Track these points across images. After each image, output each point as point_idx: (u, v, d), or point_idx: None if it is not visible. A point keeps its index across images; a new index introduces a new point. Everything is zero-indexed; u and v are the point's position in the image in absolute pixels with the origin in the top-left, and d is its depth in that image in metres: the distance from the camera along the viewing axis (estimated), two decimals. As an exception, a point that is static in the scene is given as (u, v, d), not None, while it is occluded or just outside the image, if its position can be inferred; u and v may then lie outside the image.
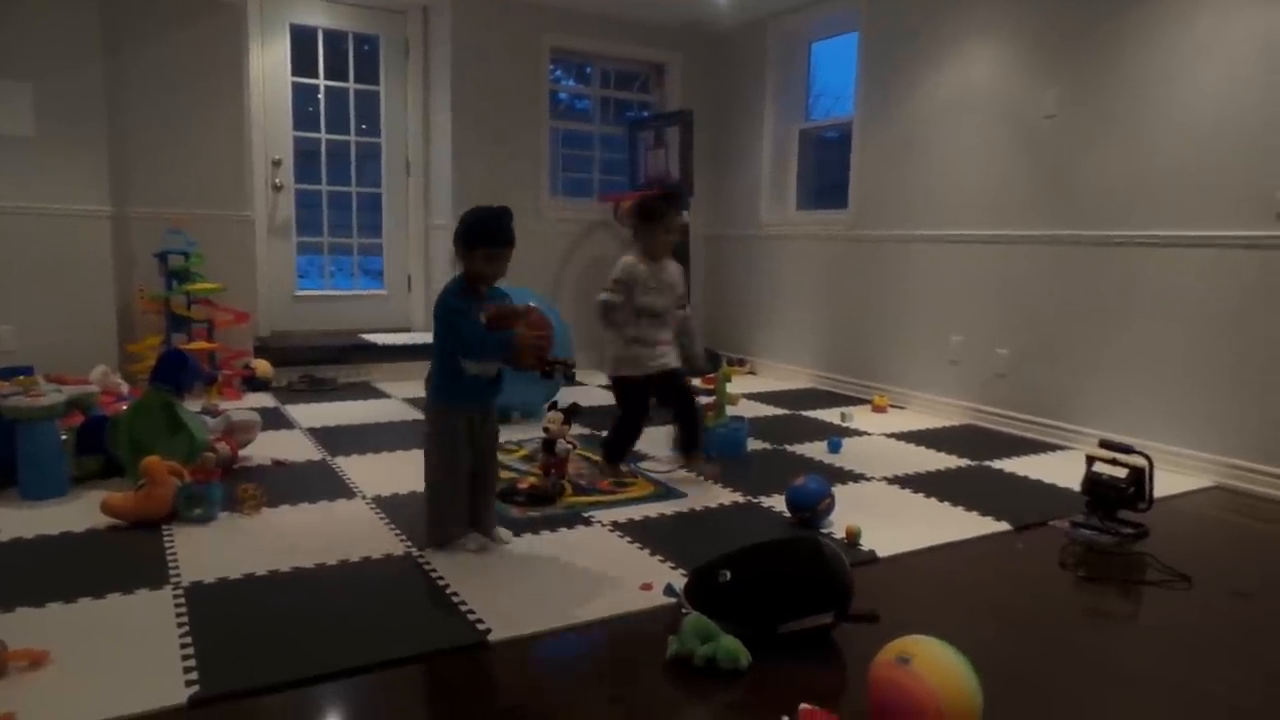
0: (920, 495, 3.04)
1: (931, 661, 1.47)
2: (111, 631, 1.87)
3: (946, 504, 2.94)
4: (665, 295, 3.09)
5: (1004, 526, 2.73)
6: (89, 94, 4.28)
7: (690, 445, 3.20)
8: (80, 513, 2.62)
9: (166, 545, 2.38)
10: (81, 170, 4.28)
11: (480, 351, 2.32)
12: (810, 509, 2.67)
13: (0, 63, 4.01)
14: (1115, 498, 2.67)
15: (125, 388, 3.96)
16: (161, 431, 2.89)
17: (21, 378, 2.90)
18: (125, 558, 2.30)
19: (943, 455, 3.62)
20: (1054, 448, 3.79)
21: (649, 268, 3.06)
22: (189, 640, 1.82)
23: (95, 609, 1.98)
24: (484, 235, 2.33)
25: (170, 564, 2.24)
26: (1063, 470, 3.32)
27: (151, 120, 4.55)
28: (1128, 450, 2.69)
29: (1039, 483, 3.24)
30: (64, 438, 2.89)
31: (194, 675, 1.68)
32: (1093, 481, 2.73)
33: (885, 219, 4.81)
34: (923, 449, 3.73)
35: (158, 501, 2.54)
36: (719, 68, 6.11)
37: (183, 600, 2.02)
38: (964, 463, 3.51)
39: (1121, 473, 2.68)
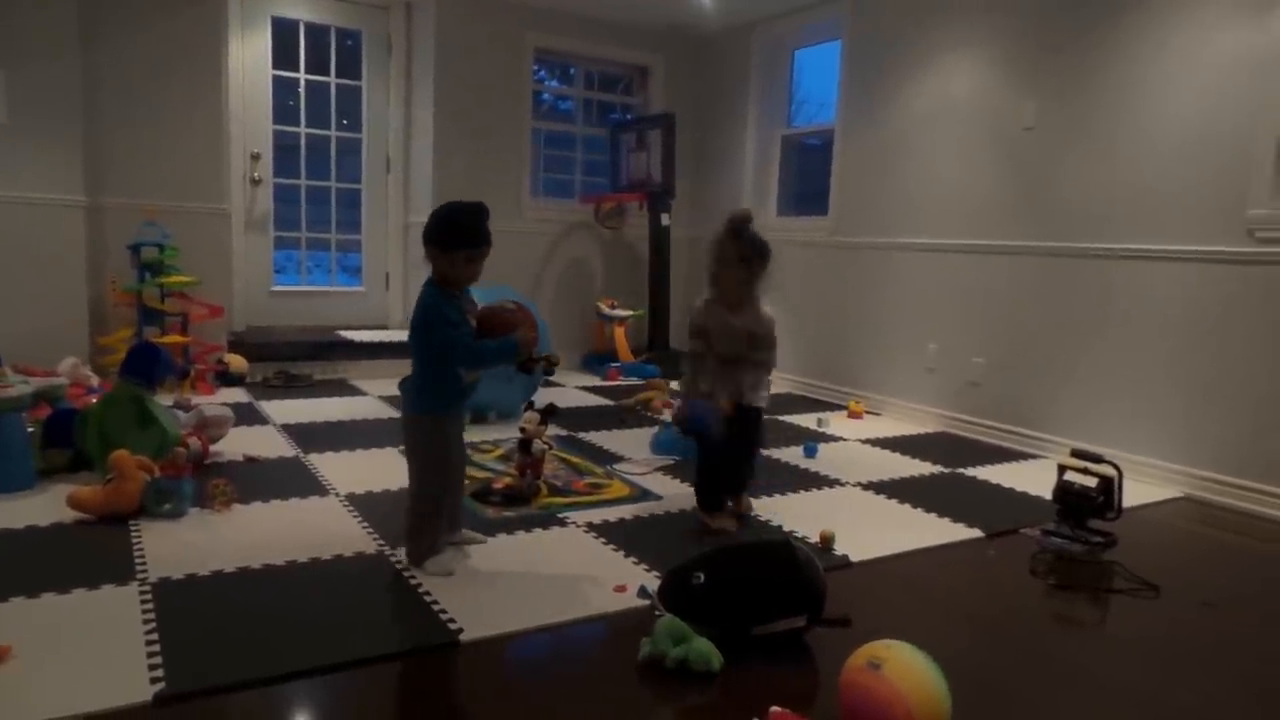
0: (894, 501, 3.06)
1: (902, 667, 1.48)
2: (76, 627, 1.84)
3: (920, 510, 2.96)
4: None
5: (976, 533, 2.75)
6: (65, 83, 4.21)
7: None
8: (46, 507, 2.57)
9: (134, 541, 2.34)
10: (56, 160, 4.22)
11: (488, 362, 2.22)
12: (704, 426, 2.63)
13: (-27, 48, 3.95)
14: (1086, 506, 2.71)
15: (95, 380, 3.91)
16: (131, 425, 2.85)
17: (-12, 368, 2.85)
18: (92, 553, 2.26)
19: (917, 462, 3.65)
20: (1027, 456, 3.83)
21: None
22: (155, 637, 1.80)
23: (60, 604, 1.95)
24: (463, 235, 2.17)
25: (138, 560, 2.21)
26: (1035, 479, 3.36)
27: (129, 111, 4.49)
28: (1098, 460, 2.72)
29: (1011, 491, 3.27)
30: (30, 430, 2.84)
31: (159, 672, 1.66)
32: (1064, 490, 2.76)
33: (865, 226, 4.84)
34: (898, 455, 3.76)
35: (126, 496, 2.50)
36: (703, 72, 6.13)
37: (150, 596, 1.99)
38: (938, 469, 3.54)
39: (1092, 482, 2.71)
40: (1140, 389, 3.53)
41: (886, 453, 3.80)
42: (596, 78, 6.23)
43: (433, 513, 2.25)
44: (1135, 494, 3.04)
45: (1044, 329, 3.91)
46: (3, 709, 1.51)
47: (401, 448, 2.72)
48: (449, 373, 2.22)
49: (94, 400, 3.11)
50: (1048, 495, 2.86)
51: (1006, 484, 3.35)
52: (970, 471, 3.53)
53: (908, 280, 4.58)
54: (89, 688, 1.59)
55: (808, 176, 5.73)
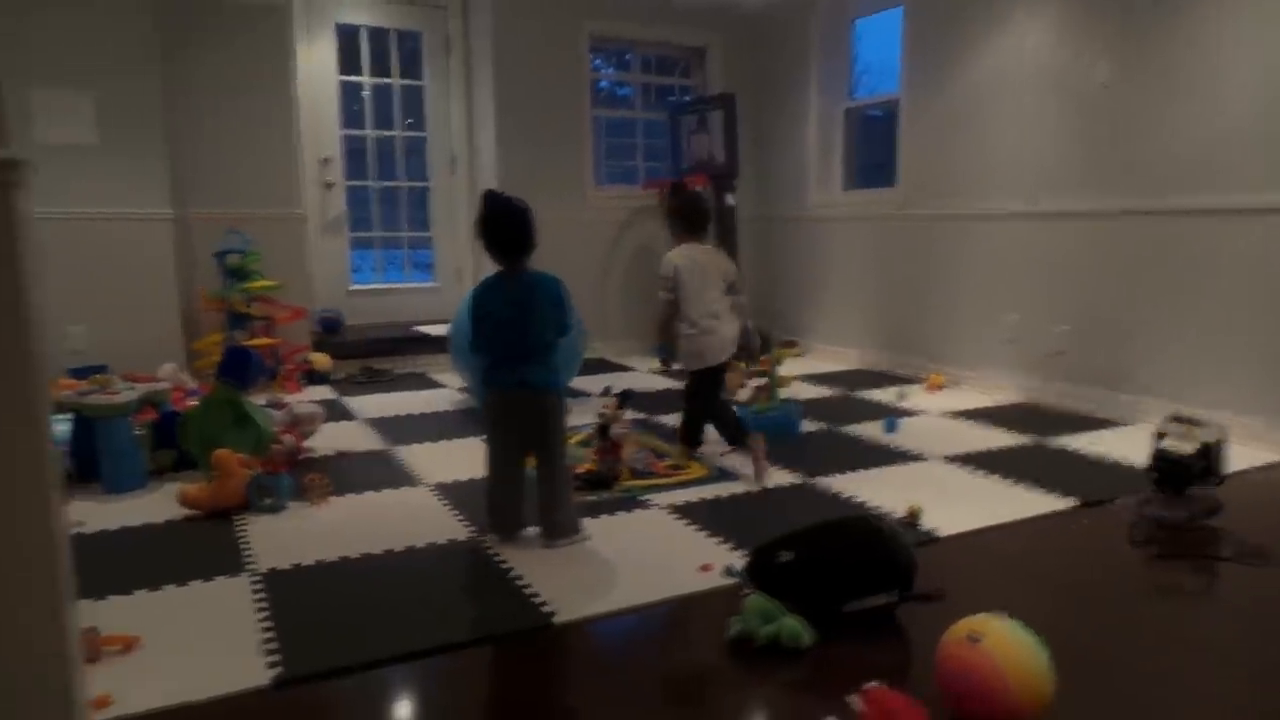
0: (980, 474, 3.01)
1: (1002, 640, 1.47)
2: (196, 617, 1.95)
3: (1008, 482, 2.90)
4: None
5: (1069, 503, 2.69)
6: (148, 101, 4.40)
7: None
8: (159, 504, 2.72)
9: (241, 534, 2.46)
10: (144, 175, 4.41)
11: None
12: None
13: (64, 73, 4.14)
14: (1185, 473, 2.61)
15: (192, 384, 4.09)
16: (229, 425, 2.98)
17: (97, 376, 3.01)
18: (204, 547, 2.38)
19: (1002, 433, 3.57)
20: (1117, 423, 3.71)
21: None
22: (269, 624, 1.89)
23: (179, 596, 2.06)
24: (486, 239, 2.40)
25: (245, 552, 2.32)
26: (1127, 446, 3.25)
27: (206, 124, 4.66)
28: (1198, 423, 2.62)
29: (1103, 459, 3.18)
30: (139, 433, 2.99)
31: (276, 658, 1.74)
32: (1161, 456, 2.67)
33: (935, 196, 4.73)
34: (982, 427, 3.68)
35: (231, 492, 2.62)
36: (760, 49, 6.05)
37: (261, 586, 2.10)
38: (1024, 440, 3.46)
39: (1191, 447, 2.62)
40: (1239, 348, 3.38)
41: (970, 424, 3.73)
42: (654, 61, 6.21)
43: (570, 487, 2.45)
44: (1238, 458, 2.92)
45: (1130, 291, 3.77)
46: (134, 695, 1.61)
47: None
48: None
49: (193, 403, 3.26)
50: (1142, 462, 2.77)
51: (1097, 452, 3.26)
52: (1058, 441, 3.44)
53: (982, 249, 4.46)
54: (212, 673, 1.69)
55: (872, 149, 5.62)
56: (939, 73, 4.63)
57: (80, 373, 3.48)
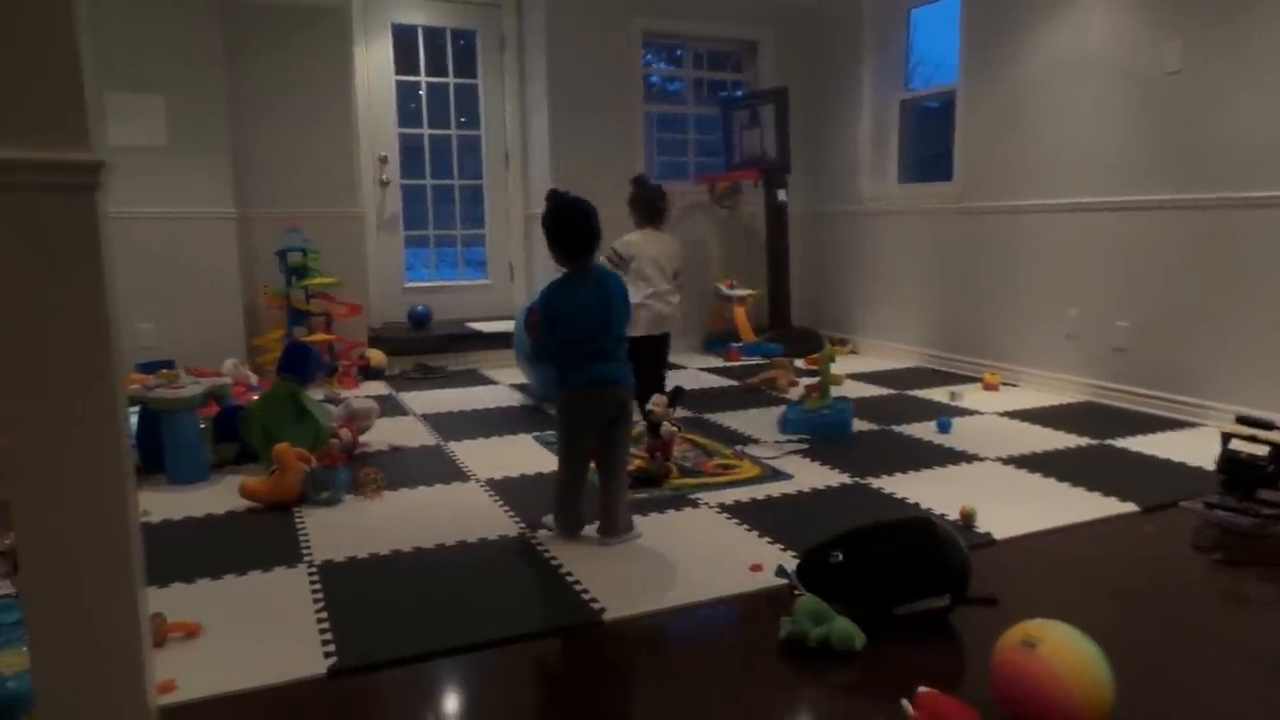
0: (1038, 475, 2.94)
1: (1059, 646, 1.43)
2: (255, 606, 2.01)
3: (1066, 484, 2.83)
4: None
5: (1130, 508, 2.61)
6: (213, 103, 4.53)
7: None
8: (220, 496, 2.80)
9: (298, 526, 2.52)
10: (209, 175, 4.54)
11: None
12: None
13: (134, 77, 4.28)
14: (1255, 476, 2.52)
15: (254, 379, 4.20)
16: (289, 420, 3.06)
17: (164, 371, 3.11)
18: (263, 538, 2.45)
19: (1061, 434, 3.48)
20: (1183, 424, 3.59)
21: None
22: (324, 615, 1.94)
23: (239, 585, 2.12)
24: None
25: (303, 544, 2.38)
26: (1194, 448, 3.15)
27: (268, 125, 4.78)
28: (1269, 426, 2.53)
29: (1167, 461, 3.08)
30: (202, 426, 3.09)
31: (331, 648, 1.78)
32: (1229, 459, 2.58)
33: (993, 189, 4.63)
34: (1039, 427, 3.60)
35: (289, 486, 2.69)
36: (813, 41, 5.99)
37: (316, 578, 2.15)
38: (1084, 441, 3.37)
39: (1262, 449, 2.52)
40: (1313, 348, 3.25)
41: (1026, 425, 3.65)
42: (705, 56, 6.19)
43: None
44: (1311, 462, 2.80)
45: (1197, 286, 3.64)
46: (198, 681, 1.66)
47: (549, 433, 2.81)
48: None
49: (254, 397, 3.35)
50: (1209, 465, 2.68)
51: (1162, 454, 3.16)
52: (1120, 442, 3.34)
53: (1042, 243, 4.36)
54: (270, 661, 1.74)
55: (928, 141, 5.52)
56: (998, 62, 4.53)
57: (148, 368, 3.60)
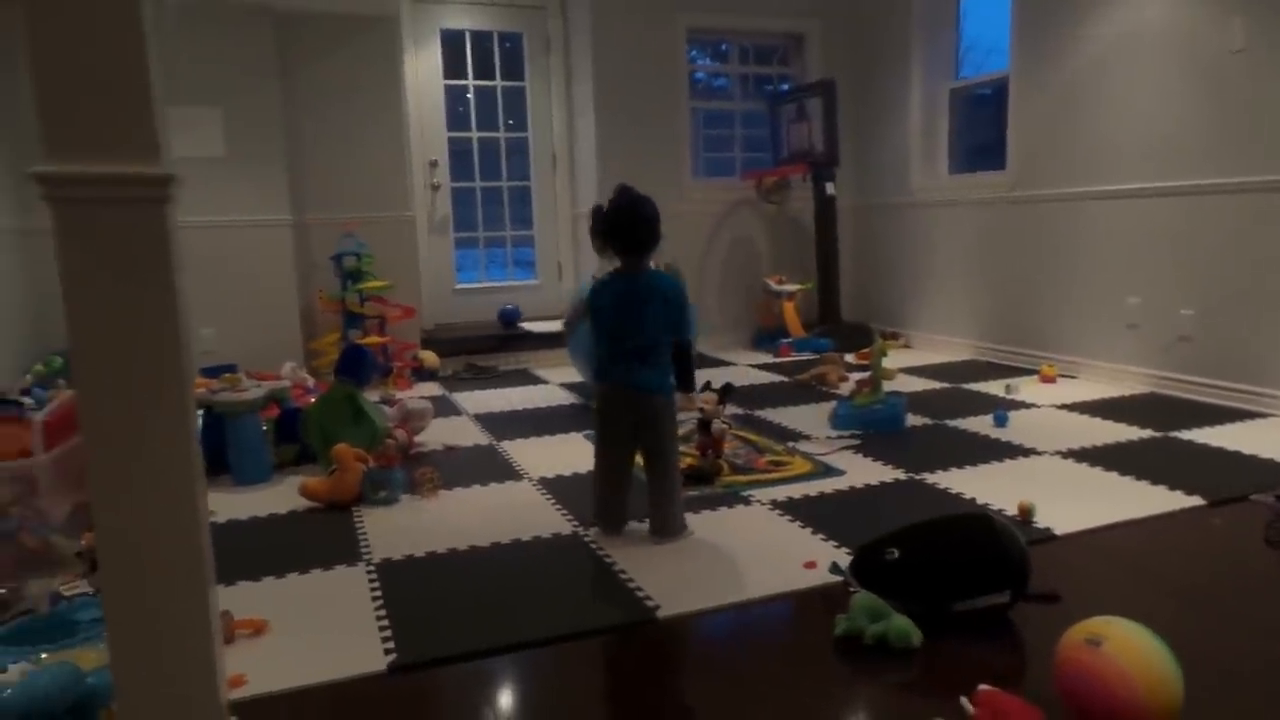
0: (1098, 469, 2.87)
1: (1126, 644, 1.40)
2: (317, 603, 2.06)
3: (1129, 478, 2.76)
4: None
5: (1197, 501, 2.53)
6: (267, 113, 4.65)
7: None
8: (282, 496, 2.88)
9: (357, 525, 2.58)
10: (265, 184, 4.67)
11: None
12: None
13: (191, 89, 4.41)
14: (1330, 469, 2.43)
15: (311, 381, 4.30)
16: (347, 421, 3.12)
17: (227, 375, 3.20)
18: (323, 537, 2.51)
19: (1122, 426, 3.39)
20: (1253, 415, 3.47)
21: None
22: (384, 612, 1.98)
23: (302, 583, 2.18)
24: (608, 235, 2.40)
25: (362, 543, 2.43)
26: (1264, 439, 3.05)
27: (322, 133, 4.89)
28: (1344, 416, 2.43)
29: (1236, 454, 2.98)
30: (264, 428, 3.17)
31: (390, 644, 1.82)
32: (1302, 451, 2.49)
33: (1048, 177, 4.53)
34: (1099, 420, 3.51)
35: (347, 486, 2.75)
36: (860, 32, 5.91)
37: (375, 576, 2.19)
38: (1147, 434, 3.28)
39: (1336, 441, 2.43)
40: (1392, 335, 3.11)
41: (1086, 418, 3.56)
42: (751, 51, 6.16)
43: (680, 487, 2.45)
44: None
45: (1265, 272, 3.52)
46: (265, 676, 1.71)
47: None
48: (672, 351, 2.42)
49: (313, 399, 3.43)
50: (1281, 458, 2.60)
51: (1230, 446, 3.06)
52: (1186, 434, 3.25)
53: (1100, 231, 4.25)
54: (333, 658, 1.78)
55: (978, 130, 5.42)
56: (1052, 46, 4.43)
57: (210, 372, 3.71)
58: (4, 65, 3.61)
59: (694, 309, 2.39)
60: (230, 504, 2.81)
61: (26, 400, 2.75)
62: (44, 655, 1.55)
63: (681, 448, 3.18)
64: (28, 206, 4.11)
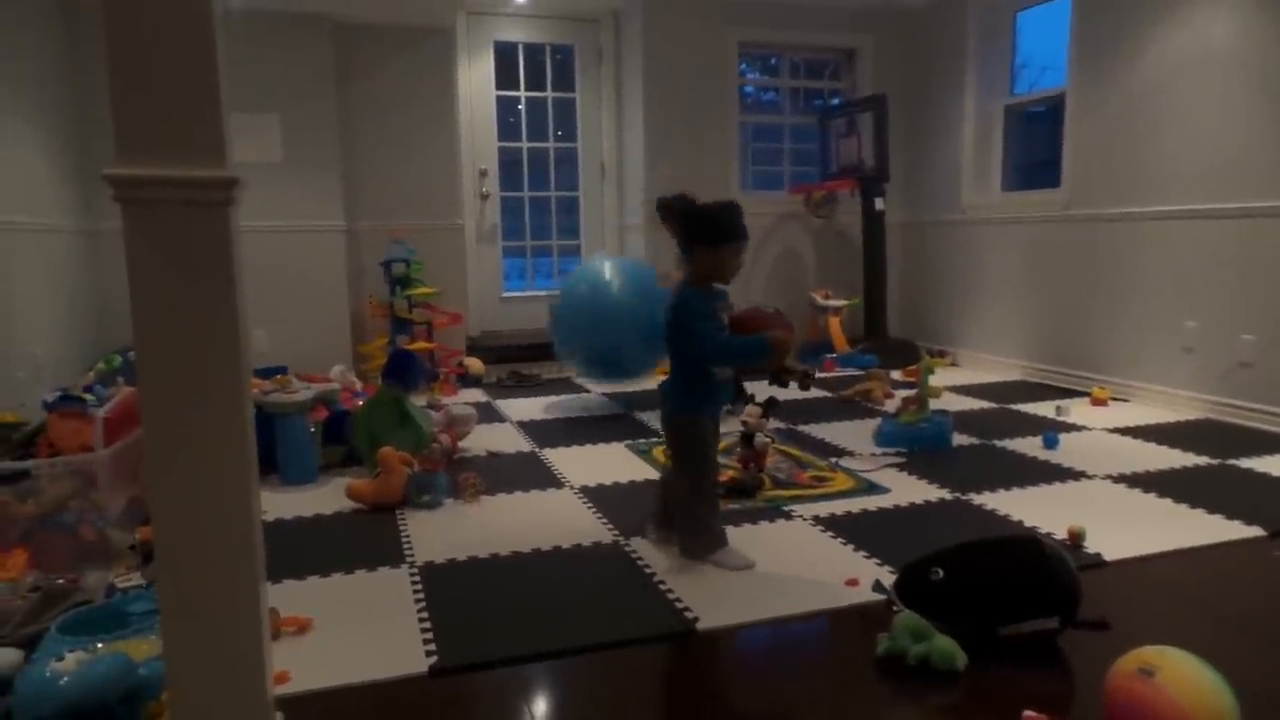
0: (1152, 495, 2.80)
1: (1180, 675, 1.36)
2: (361, 604, 2.09)
3: (1184, 506, 2.68)
4: None
5: (1257, 532, 2.45)
6: (324, 121, 4.76)
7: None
8: (328, 497, 2.92)
9: (401, 528, 2.61)
10: (320, 190, 4.77)
11: (736, 357, 2.30)
12: None
13: (252, 97, 4.53)
14: (1399, 502, 2.33)
15: (359, 385, 4.37)
16: (393, 425, 3.17)
17: (278, 377, 3.27)
18: (368, 538, 2.54)
19: (1177, 452, 3.30)
20: (1316, 445, 3.36)
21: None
22: (425, 615, 2.00)
23: (346, 583, 2.21)
24: (731, 230, 2.26)
25: (405, 545, 2.46)
26: (1328, 470, 2.94)
27: (376, 141, 4.99)
28: None
29: (1298, 484, 2.89)
30: (312, 430, 3.23)
31: (432, 647, 1.84)
32: (1369, 483, 2.40)
33: (1104, 196, 4.44)
34: (1153, 445, 3.42)
35: (392, 489, 2.79)
36: (913, 47, 5.87)
37: (418, 578, 2.22)
38: (1203, 460, 3.19)
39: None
40: None
41: (1139, 442, 3.48)
42: (801, 66, 6.14)
43: (708, 510, 2.31)
44: None
45: (1334, 299, 3.40)
46: (310, 674, 1.74)
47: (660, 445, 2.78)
48: (705, 372, 2.27)
49: (359, 403, 3.49)
50: (1347, 489, 2.50)
51: (1292, 477, 2.97)
52: (1245, 462, 3.15)
53: (1158, 252, 4.15)
54: (374, 658, 1.80)
55: (1032, 147, 5.34)
56: (1111, 63, 4.35)
57: (262, 373, 3.78)
58: (69, 73, 3.75)
59: (708, 325, 2.23)
60: (277, 503, 2.86)
61: (89, 396, 2.83)
62: (99, 645, 1.59)
63: (723, 460, 3.17)
64: (93, 209, 4.25)
